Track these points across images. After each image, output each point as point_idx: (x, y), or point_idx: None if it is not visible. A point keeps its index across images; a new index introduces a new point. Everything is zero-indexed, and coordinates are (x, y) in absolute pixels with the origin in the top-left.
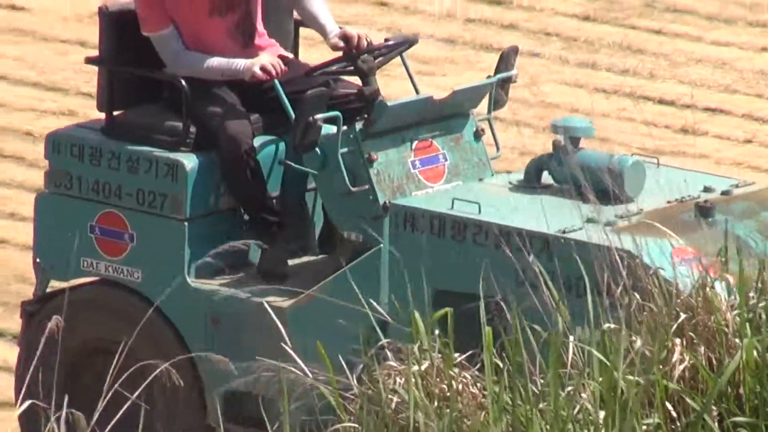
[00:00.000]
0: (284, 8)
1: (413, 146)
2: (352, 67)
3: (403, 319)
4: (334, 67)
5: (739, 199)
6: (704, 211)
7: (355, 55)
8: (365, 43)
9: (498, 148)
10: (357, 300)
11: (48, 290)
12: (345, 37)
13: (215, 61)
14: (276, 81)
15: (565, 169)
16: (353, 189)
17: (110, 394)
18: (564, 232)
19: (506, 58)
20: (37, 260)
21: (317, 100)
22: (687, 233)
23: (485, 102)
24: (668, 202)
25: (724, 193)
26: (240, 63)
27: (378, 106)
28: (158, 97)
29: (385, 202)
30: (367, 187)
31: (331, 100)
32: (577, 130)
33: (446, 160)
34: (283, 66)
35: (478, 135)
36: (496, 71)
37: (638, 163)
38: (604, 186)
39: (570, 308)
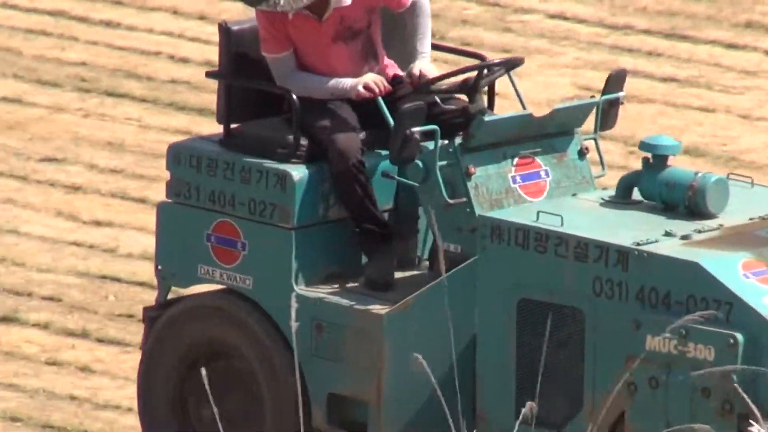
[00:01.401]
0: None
1: (514, 162)
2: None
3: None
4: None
5: None
6: None
7: (420, 90)
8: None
9: (603, 167)
10: (454, 308)
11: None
12: (410, 75)
13: (324, 81)
14: (380, 98)
15: (652, 185)
16: (451, 201)
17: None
18: (639, 244)
19: (614, 80)
20: (159, 267)
21: (414, 114)
22: (760, 248)
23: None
24: (750, 219)
25: None
26: (347, 82)
27: (477, 120)
28: (276, 112)
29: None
30: (464, 199)
31: (437, 116)
32: (665, 149)
33: (548, 176)
34: (386, 84)
35: (582, 153)
36: (604, 92)
37: (721, 180)
38: (688, 203)
39: (642, 318)
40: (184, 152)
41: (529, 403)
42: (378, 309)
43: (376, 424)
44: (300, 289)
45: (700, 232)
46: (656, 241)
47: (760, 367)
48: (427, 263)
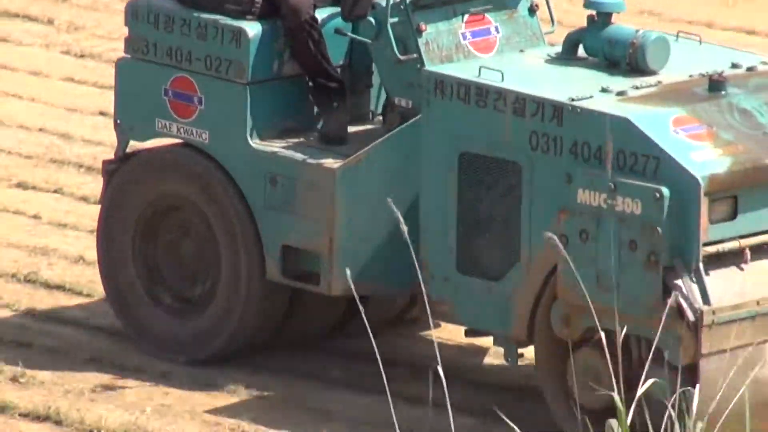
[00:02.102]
0: None
1: (465, 18)
2: None
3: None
4: None
5: (761, 74)
6: (716, 84)
7: None
8: None
9: (553, 23)
10: (404, 162)
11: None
12: None
13: None
14: None
15: (595, 42)
16: (402, 57)
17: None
18: (574, 100)
19: None
20: (117, 121)
21: None
22: (693, 104)
23: None
24: (690, 76)
25: (749, 69)
26: None
27: None
28: None
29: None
30: (415, 55)
31: None
32: (608, 6)
33: (498, 32)
34: None
35: (532, 10)
36: None
37: (662, 38)
38: (629, 59)
39: (574, 172)
40: (141, 8)
41: None
42: (331, 163)
43: (328, 274)
44: (255, 143)
45: (637, 88)
46: (591, 97)
47: (686, 220)
48: (380, 118)
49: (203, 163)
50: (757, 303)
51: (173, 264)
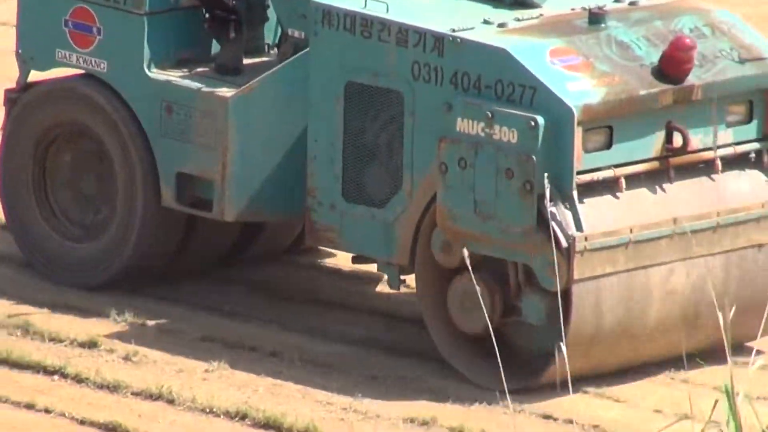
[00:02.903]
0: None
1: None
2: None
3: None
4: None
5: (642, 9)
6: (595, 17)
7: None
8: None
9: None
10: (295, 92)
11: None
12: None
13: None
14: None
15: None
16: None
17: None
18: (455, 31)
19: None
20: (19, 51)
21: None
22: (572, 36)
23: None
24: (572, 9)
25: (631, 3)
26: None
27: None
28: None
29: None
30: None
31: None
32: None
33: None
34: None
35: None
36: None
37: None
38: None
39: (453, 101)
40: None
41: None
42: (224, 92)
43: (221, 201)
44: (151, 72)
45: (518, 20)
46: (472, 29)
47: (560, 148)
48: (275, 50)
49: (101, 92)
50: (630, 230)
51: (71, 191)
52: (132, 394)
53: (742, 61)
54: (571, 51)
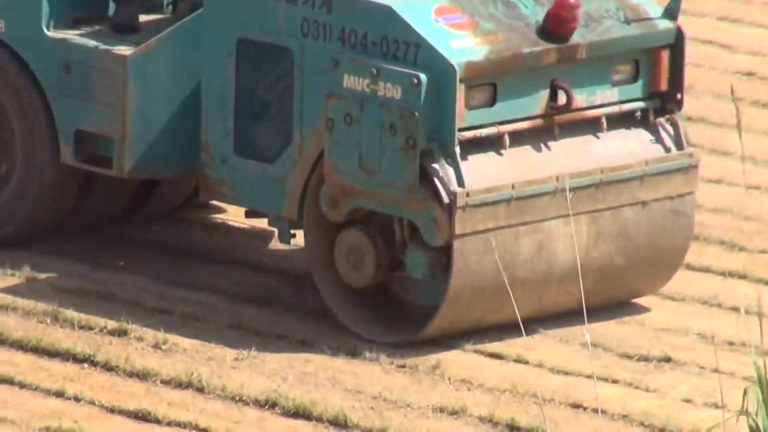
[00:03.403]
0: None
1: None
2: None
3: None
4: None
5: None
6: None
7: None
8: None
9: None
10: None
11: None
12: None
13: None
14: None
15: None
16: None
17: None
18: None
19: None
20: None
21: None
22: None
23: None
24: None
25: None
26: None
27: None
28: None
29: None
30: None
31: None
32: None
33: None
34: None
35: None
36: None
37: None
38: None
39: (340, 58)
40: None
41: None
42: (122, 50)
43: (120, 158)
44: (49, 31)
45: None
46: None
47: (443, 105)
48: (171, 8)
49: None
50: (513, 187)
51: None
52: (161, 382)
53: (627, 21)
54: (455, 9)
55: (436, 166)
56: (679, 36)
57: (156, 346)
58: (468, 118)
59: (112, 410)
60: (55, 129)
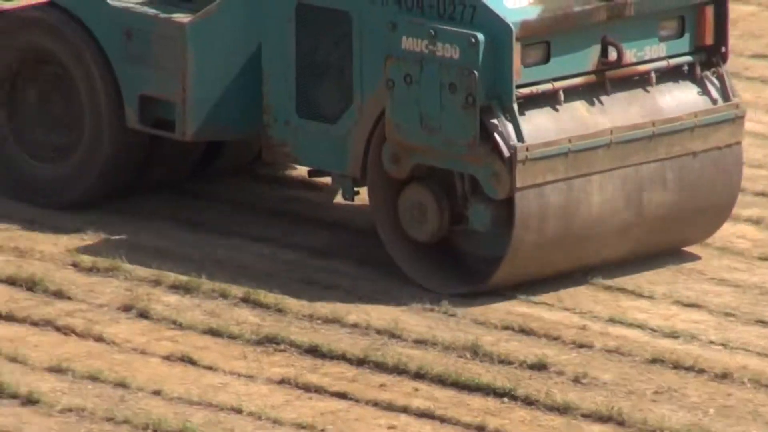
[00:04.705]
0: None
1: None
2: None
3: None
4: None
5: None
6: None
7: None
8: None
9: None
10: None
11: None
12: None
13: None
14: None
15: None
16: None
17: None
18: None
19: None
20: None
21: None
22: None
23: None
24: None
25: None
26: None
27: None
28: None
29: None
30: None
31: None
32: None
33: None
34: None
35: None
36: None
37: None
38: None
39: (398, 20)
40: None
41: None
42: (182, 18)
43: (182, 121)
44: (111, 0)
45: None
46: None
47: (500, 63)
48: None
49: (65, 20)
50: (569, 141)
51: (41, 114)
52: (581, 416)
53: None
54: None
55: (495, 122)
56: None
57: (576, 380)
58: (524, 75)
59: None
60: (120, 94)
